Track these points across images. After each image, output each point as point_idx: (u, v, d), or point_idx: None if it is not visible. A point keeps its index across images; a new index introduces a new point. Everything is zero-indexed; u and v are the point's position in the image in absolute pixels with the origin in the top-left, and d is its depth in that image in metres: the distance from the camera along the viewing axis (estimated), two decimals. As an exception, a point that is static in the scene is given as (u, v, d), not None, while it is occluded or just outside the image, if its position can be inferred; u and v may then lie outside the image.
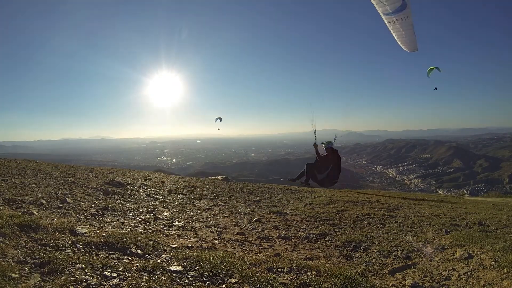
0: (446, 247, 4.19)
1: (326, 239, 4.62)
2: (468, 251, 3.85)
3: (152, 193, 6.73)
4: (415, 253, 4.15)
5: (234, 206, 6.50)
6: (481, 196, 15.64)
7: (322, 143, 9.29)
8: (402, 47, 7.72)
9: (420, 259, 3.92)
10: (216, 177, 12.82)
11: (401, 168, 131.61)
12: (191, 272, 2.66)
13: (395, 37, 7.34)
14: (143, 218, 4.67)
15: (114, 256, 2.81)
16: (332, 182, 9.08)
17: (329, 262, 3.68)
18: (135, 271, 2.54)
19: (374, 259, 3.94)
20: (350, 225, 5.43)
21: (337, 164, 8.75)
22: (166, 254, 3.06)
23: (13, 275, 2.13)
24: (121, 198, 5.81)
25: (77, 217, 4.14)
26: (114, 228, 3.88)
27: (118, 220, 4.36)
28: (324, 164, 8.88)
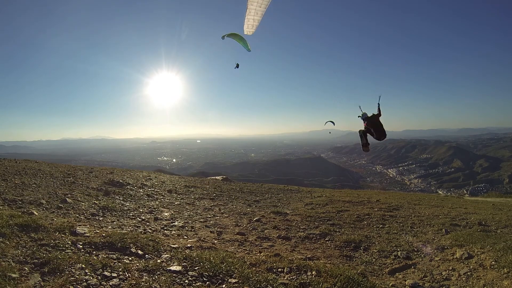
0: (446, 247, 4.20)
1: (326, 239, 4.63)
2: (468, 251, 3.85)
3: (152, 193, 6.73)
4: (415, 253, 4.15)
5: (234, 206, 6.51)
6: (481, 196, 15.65)
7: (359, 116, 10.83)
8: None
9: (420, 259, 3.93)
10: (216, 177, 12.83)
11: (401, 168, 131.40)
12: (191, 272, 2.67)
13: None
14: (143, 218, 4.67)
15: (114, 256, 2.81)
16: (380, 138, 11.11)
17: (329, 262, 3.68)
18: (135, 271, 2.54)
19: (374, 259, 3.95)
20: (350, 225, 5.43)
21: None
22: (166, 254, 3.06)
23: (13, 275, 2.13)
24: (121, 198, 5.81)
25: (77, 217, 4.14)
26: (114, 228, 3.88)
27: (118, 220, 4.36)
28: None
